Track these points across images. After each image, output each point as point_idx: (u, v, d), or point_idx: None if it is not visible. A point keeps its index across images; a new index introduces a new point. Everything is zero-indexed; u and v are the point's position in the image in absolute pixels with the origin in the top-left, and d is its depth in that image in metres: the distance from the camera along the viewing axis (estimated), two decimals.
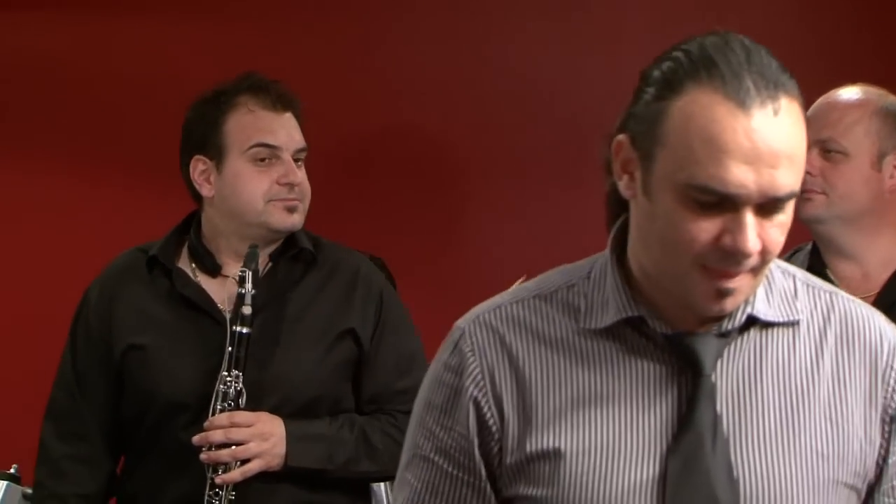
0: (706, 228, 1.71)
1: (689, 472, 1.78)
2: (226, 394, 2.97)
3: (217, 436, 2.95)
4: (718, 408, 1.81)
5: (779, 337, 1.86)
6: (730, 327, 1.82)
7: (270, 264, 3.13)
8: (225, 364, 2.97)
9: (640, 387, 1.82)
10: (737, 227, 1.71)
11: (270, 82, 3.13)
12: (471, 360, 1.86)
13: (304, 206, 3.11)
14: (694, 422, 1.80)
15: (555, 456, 1.81)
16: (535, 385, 1.84)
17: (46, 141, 4.81)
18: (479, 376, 1.85)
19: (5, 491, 3.66)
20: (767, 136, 1.69)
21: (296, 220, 3.09)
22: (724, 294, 1.75)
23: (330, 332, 3.11)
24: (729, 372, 1.83)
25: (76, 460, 3.14)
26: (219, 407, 2.97)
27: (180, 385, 3.04)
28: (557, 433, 1.82)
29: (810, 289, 1.91)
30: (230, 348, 2.97)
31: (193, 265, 3.13)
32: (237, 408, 2.97)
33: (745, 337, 1.85)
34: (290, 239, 3.15)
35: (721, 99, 1.69)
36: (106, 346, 3.11)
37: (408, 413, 3.04)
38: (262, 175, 3.07)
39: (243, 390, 2.97)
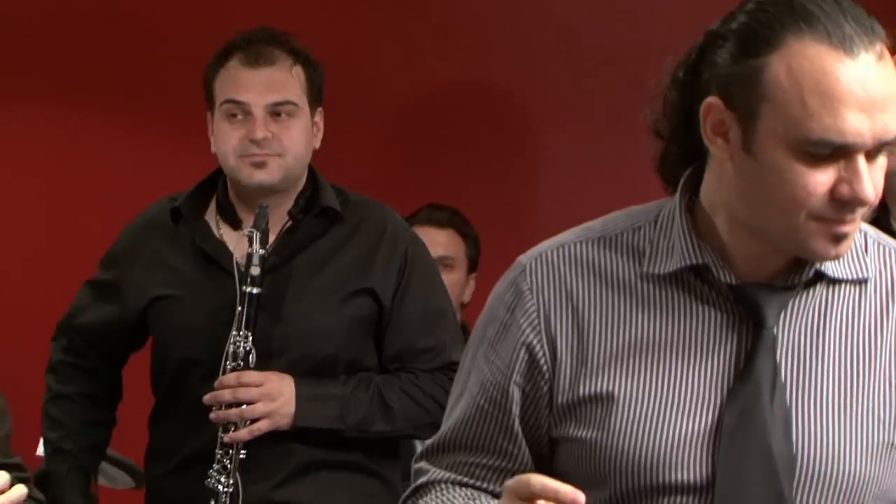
0: (821, 181, 1.70)
1: (745, 424, 1.77)
2: (235, 353, 2.95)
3: (226, 395, 2.95)
4: (778, 361, 1.80)
5: (845, 294, 1.84)
6: (796, 281, 1.81)
7: (290, 222, 3.10)
8: (235, 324, 2.95)
9: (700, 335, 1.80)
10: (854, 176, 1.69)
11: (258, 37, 3.08)
12: (528, 298, 1.85)
13: (282, 162, 3.04)
14: (753, 373, 1.78)
15: (608, 399, 1.80)
16: (593, 326, 1.82)
17: (83, 89, 4.81)
18: (535, 315, 1.84)
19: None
20: (877, 82, 1.69)
21: (264, 177, 3.02)
22: (840, 239, 1.73)
23: (346, 289, 3.07)
24: (791, 326, 1.82)
25: (77, 368, 3.21)
26: (229, 366, 2.96)
27: (195, 339, 3.04)
28: (612, 377, 1.81)
29: (881, 247, 1.89)
30: (239, 308, 2.95)
31: (218, 217, 3.12)
32: (246, 368, 2.96)
33: (811, 292, 1.83)
34: (314, 197, 3.12)
35: (827, 49, 1.68)
36: (121, 292, 3.14)
37: (431, 371, 3.11)
38: (233, 131, 3.04)
39: (252, 350, 2.95)
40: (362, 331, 3.09)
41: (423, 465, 1.94)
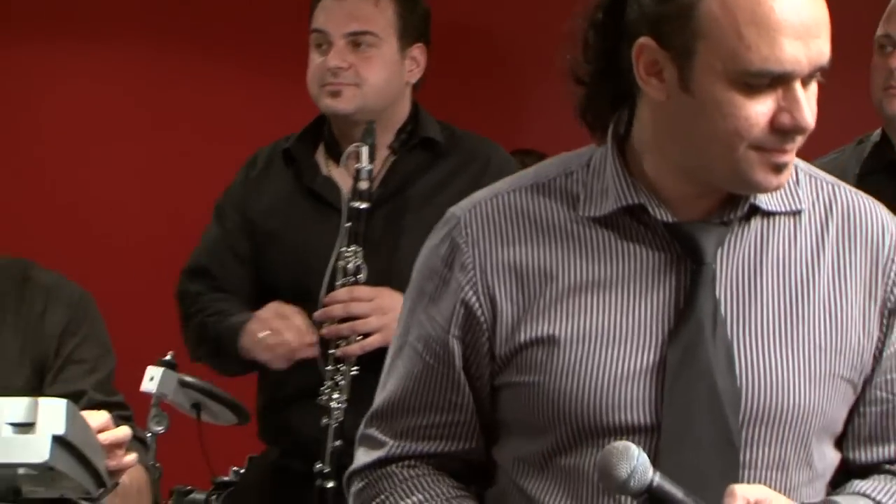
0: (761, 111, 1.70)
1: (688, 360, 1.77)
2: (345, 269, 2.97)
3: (337, 310, 2.96)
4: (718, 297, 1.79)
5: (781, 227, 1.84)
6: (732, 216, 1.81)
7: (393, 157, 3.12)
8: (344, 240, 2.97)
9: (639, 275, 1.81)
10: (793, 104, 1.70)
11: None
12: (464, 250, 1.85)
13: (358, 92, 3.05)
14: (694, 310, 1.78)
15: (549, 342, 1.80)
16: (531, 273, 1.82)
17: (193, 30, 4.84)
18: (471, 268, 1.84)
19: (162, 377, 3.71)
20: (809, 8, 1.69)
21: (338, 105, 3.05)
22: (780, 168, 1.74)
23: None
24: (730, 261, 1.82)
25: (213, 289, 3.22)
26: (338, 283, 2.97)
27: (304, 274, 3.07)
28: (553, 320, 1.80)
29: (813, 179, 1.88)
30: (348, 224, 2.97)
31: (326, 156, 3.16)
32: (356, 284, 2.97)
33: (748, 227, 1.83)
34: (415, 128, 3.14)
35: None
36: (240, 229, 3.18)
37: None
38: (320, 61, 3.08)
39: (363, 265, 2.97)
40: None
41: (372, 432, 1.93)
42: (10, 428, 1.86)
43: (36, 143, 5.34)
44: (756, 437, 1.78)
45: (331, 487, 2.90)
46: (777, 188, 1.77)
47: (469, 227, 1.86)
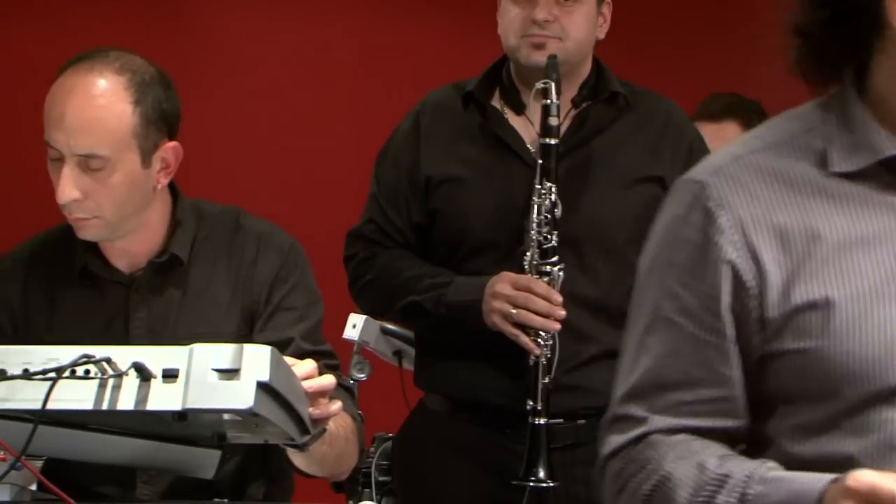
0: None
1: None
2: (540, 206, 2.94)
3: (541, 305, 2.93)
4: None
5: None
6: None
7: (575, 110, 3.08)
8: (538, 177, 2.94)
9: None
10: None
11: None
12: (719, 214, 1.76)
13: (561, 45, 3.01)
14: None
15: (825, 305, 1.71)
16: (793, 233, 1.74)
17: None
18: (731, 231, 1.75)
19: (364, 325, 3.74)
20: None
21: (541, 58, 3.00)
22: None
23: (637, 176, 3.05)
24: None
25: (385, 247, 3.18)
26: (535, 220, 2.93)
27: (489, 222, 3.04)
28: (826, 281, 1.72)
29: None
30: (540, 161, 2.95)
31: (503, 103, 3.12)
32: (553, 221, 2.93)
33: None
34: (598, 83, 3.11)
35: None
36: (411, 175, 3.13)
37: None
38: (517, 11, 3.04)
39: (558, 202, 2.94)
40: (650, 218, 3.02)
41: (630, 410, 1.82)
42: (215, 374, 1.88)
43: (250, 89, 5.43)
44: None
45: (542, 424, 2.89)
46: None
47: (718, 189, 1.77)
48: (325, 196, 5.18)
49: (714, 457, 1.74)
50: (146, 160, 2.48)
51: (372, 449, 3.70)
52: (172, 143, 2.53)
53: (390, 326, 3.74)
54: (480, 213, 3.03)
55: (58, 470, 2.33)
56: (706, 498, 1.71)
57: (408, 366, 3.77)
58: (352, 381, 3.36)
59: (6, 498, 2.15)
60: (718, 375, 1.77)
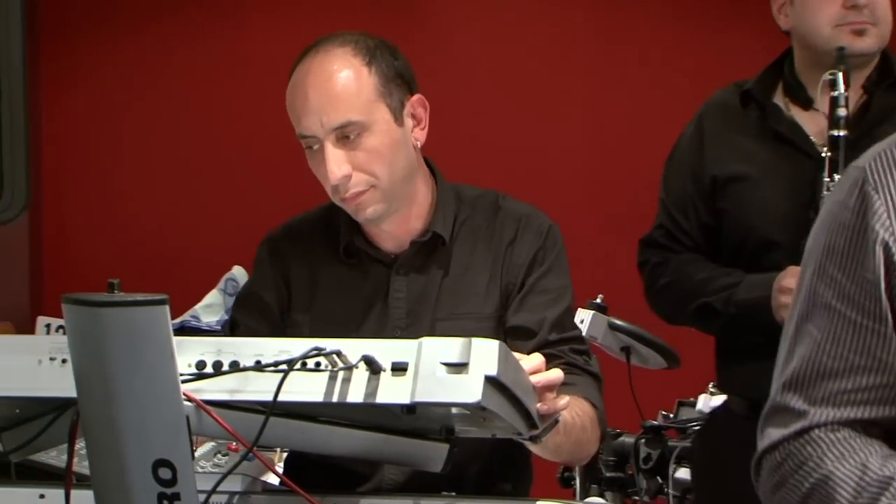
0: None
1: None
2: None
3: None
4: None
5: None
6: None
7: (865, 96, 3.06)
8: (825, 169, 2.93)
9: None
10: None
11: None
12: (875, 198, 1.74)
13: (876, 31, 3.01)
14: None
15: None
16: None
17: None
18: (884, 214, 1.73)
19: (592, 320, 3.72)
20: None
21: (864, 45, 3.00)
22: None
23: None
24: None
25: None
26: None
27: (773, 221, 3.03)
28: None
29: None
30: (828, 154, 2.93)
31: (787, 99, 3.11)
32: None
33: None
34: (885, 68, 3.07)
35: None
36: (696, 177, 3.16)
37: None
38: (829, 1, 3.01)
39: None
40: None
41: (788, 401, 1.80)
42: (444, 368, 1.88)
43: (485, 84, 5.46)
44: None
45: None
46: None
47: (876, 174, 1.76)
48: (554, 192, 5.18)
49: (877, 457, 1.71)
50: (398, 117, 2.52)
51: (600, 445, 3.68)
52: (417, 96, 2.57)
53: (618, 322, 3.72)
54: (765, 210, 3.03)
55: (300, 459, 2.40)
56: (869, 500, 1.69)
57: (636, 362, 3.73)
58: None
59: (238, 488, 2.18)
60: (880, 362, 1.73)
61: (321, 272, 2.63)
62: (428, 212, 2.62)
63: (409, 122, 2.55)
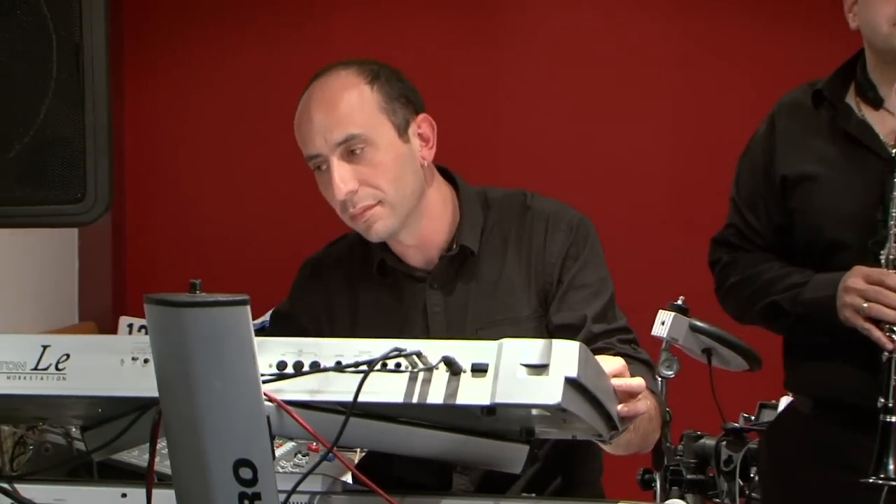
0: None
1: None
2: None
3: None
4: None
5: None
6: None
7: None
8: (894, 170, 2.89)
9: None
10: None
11: None
12: None
13: None
14: None
15: None
16: None
17: None
18: None
19: (673, 322, 3.70)
20: None
21: None
22: None
23: None
24: None
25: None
26: (893, 214, 2.87)
27: (841, 222, 3.01)
28: None
29: None
30: None
31: (858, 99, 3.09)
32: None
33: None
34: None
35: None
36: (767, 176, 3.14)
37: None
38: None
39: None
40: None
41: None
42: (524, 369, 1.87)
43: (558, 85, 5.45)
44: None
45: (893, 422, 2.80)
46: None
47: None
48: (636, 193, 5.16)
49: None
50: (402, 135, 2.54)
51: (680, 447, 3.66)
52: (423, 116, 2.59)
53: (700, 324, 3.69)
54: (834, 210, 3.00)
55: (378, 460, 2.40)
56: None
57: (717, 363, 3.71)
58: (660, 379, 3.33)
59: (318, 488, 2.18)
60: None
61: (361, 293, 2.67)
62: (452, 224, 2.64)
63: (415, 141, 2.58)
